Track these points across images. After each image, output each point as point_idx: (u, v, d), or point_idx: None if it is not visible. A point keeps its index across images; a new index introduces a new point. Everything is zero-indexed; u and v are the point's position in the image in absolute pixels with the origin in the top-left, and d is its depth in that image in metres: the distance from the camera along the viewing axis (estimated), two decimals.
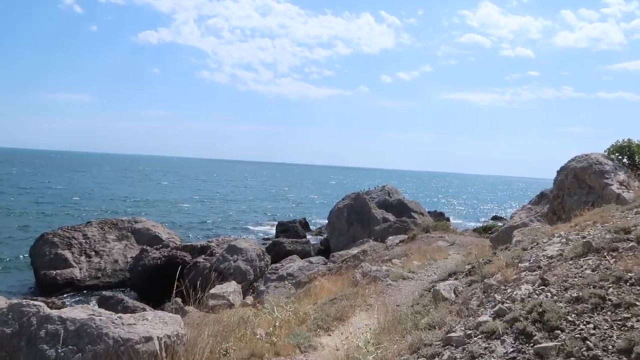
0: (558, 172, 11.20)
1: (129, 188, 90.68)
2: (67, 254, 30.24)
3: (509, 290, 4.52)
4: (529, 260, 5.26)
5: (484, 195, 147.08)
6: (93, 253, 31.42)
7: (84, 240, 31.76)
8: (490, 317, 4.09)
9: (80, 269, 29.99)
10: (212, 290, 22.64)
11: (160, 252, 29.22)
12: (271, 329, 5.90)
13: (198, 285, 25.61)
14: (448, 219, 49.04)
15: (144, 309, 21.31)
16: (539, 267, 4.80)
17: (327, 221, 41.55)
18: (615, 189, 9.16)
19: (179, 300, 22.95)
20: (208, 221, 54.33)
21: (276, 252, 32.66)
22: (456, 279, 7.88)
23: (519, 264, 5.30)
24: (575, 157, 10.90)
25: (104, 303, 21.63)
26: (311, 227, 51.76)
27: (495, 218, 66.23)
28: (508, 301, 4.30)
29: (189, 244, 31.74)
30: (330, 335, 6.31)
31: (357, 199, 36.34)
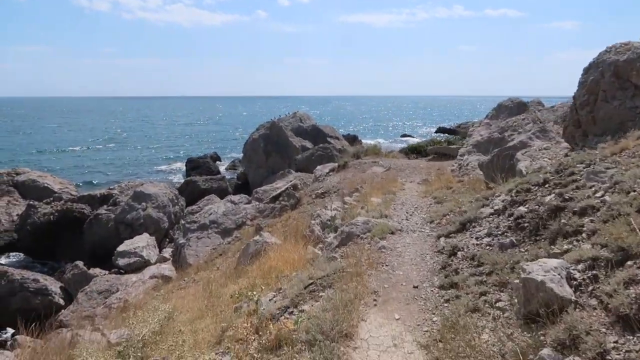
0: (586, 70, 8.40)
1: (7, 136, 78.01)
2: None
3: None
4: None
5: (389, 115, 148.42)
6: None
7: None
8: None
9: None
10: (120, 247, 18.69)
11: (51, 207, 24.26)
12: None
13: (102, 242, 21.13)
14: (360, 141, 47.56)
15: (36, 280, 17.08)
16: None
17: (240, 154, 37.94)
18: None
19: (80, 263, 18.82)
20: (107, 166, 47.88)
21: (190, 192, 28.86)
22: (491, 235, 5.13)
23: None
24: (611, 47, 8.14)
25: None
26: (223, 161, 47.68)
27: (404, 136, 66.15)
28: None
29: (86, 194, 26.80)
30: None
31: (272, 127, 32.82)
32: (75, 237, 22.40)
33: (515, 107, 12.60)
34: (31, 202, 24.37)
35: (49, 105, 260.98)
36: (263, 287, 5.74)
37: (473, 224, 5.79)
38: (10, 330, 16.17)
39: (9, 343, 12.16)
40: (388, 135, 73.04)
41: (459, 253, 5.08)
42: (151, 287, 14.74)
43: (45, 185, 28.51)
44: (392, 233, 6.48)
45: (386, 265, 5.28)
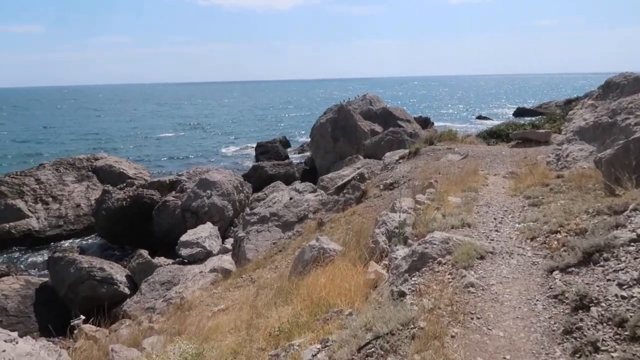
0: None
1: (92, 122, 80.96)
2: (20, 203, 25.36)
3: None
4: None
5: (463, 95, 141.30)
6: (50, 199, 26.45)
7: (37, 186, 26.65)
8: None
9: (37, 219, 25.19)
10: (184, 237, 18.04)
11: (124, 192, 24.33)
12: None
13: (170, 229, 20.54)
14: (433, 124, 44.97)
15: (102, 269, 16.84)
16: None
17: (309, 138, 36.75)
18: None
19: (145, 252, 18.43)
20: (183, 150, 48.50)
21: (258, 177, 28.18)
22: None
23: None
24: None
25: (53, 265, 17.14)
26: (294, 145, 46.80)
27: (480, 118, 61.97)
28: None
29: (156, 179, 26.77)
30: None
31: (340, 111, 31.14)
32: (146, 224, 22.28)
33: (630, 85, 10.09)
34: (106, 187, 24.63)
35: (134, 93, 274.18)
36: (307, 331, 4.26)
37: (604, 255, 3.92)
38: (82, 317, 16.12)
39: (75, 331, 11.70)
40: (463, 117, 68.80)
41: (592, 308, 3.27)
42: (210, 282, 13.94)
43: (121, 170, 28.94)
44: (482, 258, 4.71)
45: (478, 318, 3.57)
